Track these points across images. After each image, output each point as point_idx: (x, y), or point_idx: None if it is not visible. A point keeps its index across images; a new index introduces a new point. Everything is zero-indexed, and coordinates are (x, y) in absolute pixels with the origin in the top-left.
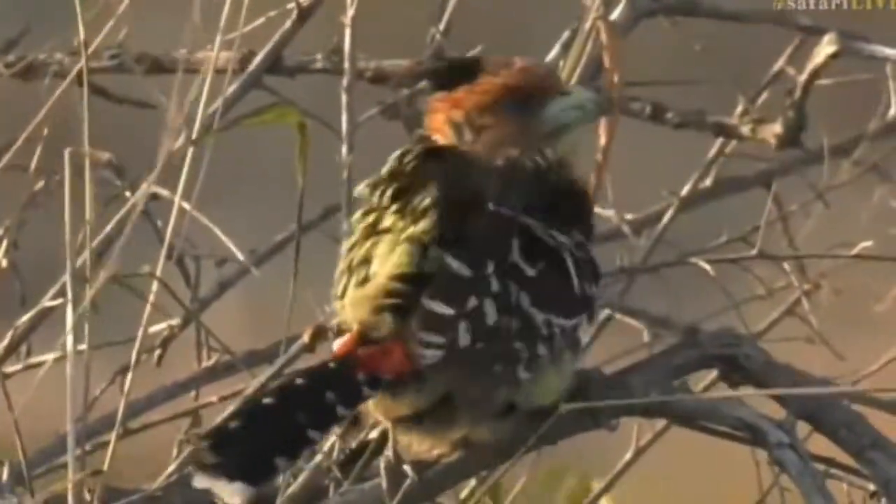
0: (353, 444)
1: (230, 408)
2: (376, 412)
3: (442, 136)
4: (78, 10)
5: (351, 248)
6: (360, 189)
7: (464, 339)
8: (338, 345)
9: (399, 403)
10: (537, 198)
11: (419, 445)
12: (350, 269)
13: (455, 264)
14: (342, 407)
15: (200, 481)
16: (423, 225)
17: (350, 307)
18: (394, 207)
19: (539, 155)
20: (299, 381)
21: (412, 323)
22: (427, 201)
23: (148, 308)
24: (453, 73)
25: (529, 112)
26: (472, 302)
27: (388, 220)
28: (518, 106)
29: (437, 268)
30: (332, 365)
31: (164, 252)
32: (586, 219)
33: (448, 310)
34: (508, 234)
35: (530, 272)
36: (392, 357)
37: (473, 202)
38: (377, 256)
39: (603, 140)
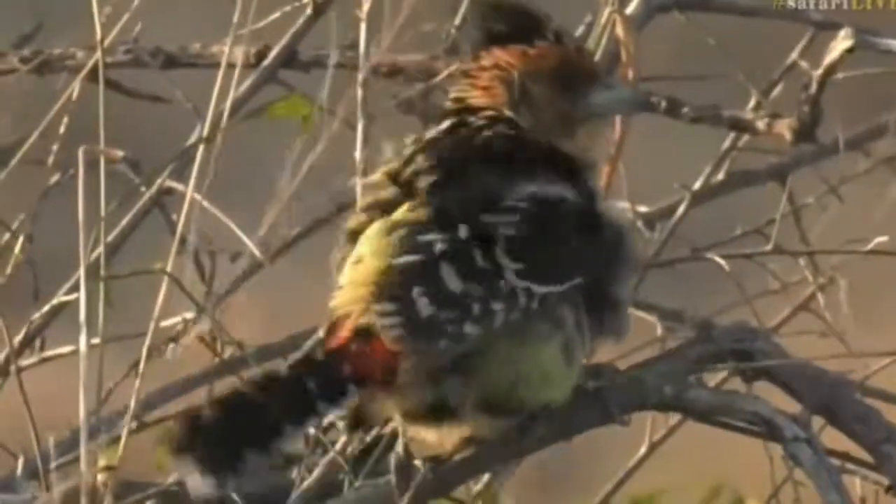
0: (367, 439)
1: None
2: (386, 406)
3: (488, 95)
4: (94, 4)
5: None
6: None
7: (425, 309)
8: (333, 333)
9: (395, 401)
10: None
11: (430, 438)
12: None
13: (428, 237)
14: (323, 403)
15: (181, 470)
16: (415, 214)
17: (347, 290)
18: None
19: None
20: (284, 370)
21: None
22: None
23: (159, 303)
24: (511, 25)
25: (576, 94)
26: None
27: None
28: (568, 84)
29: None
30: (320, 357)
31: (174, 246)
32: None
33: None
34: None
35: (509, 231)
36: (378, 355)
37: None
38: (367, 238)
39: (617, 133)
